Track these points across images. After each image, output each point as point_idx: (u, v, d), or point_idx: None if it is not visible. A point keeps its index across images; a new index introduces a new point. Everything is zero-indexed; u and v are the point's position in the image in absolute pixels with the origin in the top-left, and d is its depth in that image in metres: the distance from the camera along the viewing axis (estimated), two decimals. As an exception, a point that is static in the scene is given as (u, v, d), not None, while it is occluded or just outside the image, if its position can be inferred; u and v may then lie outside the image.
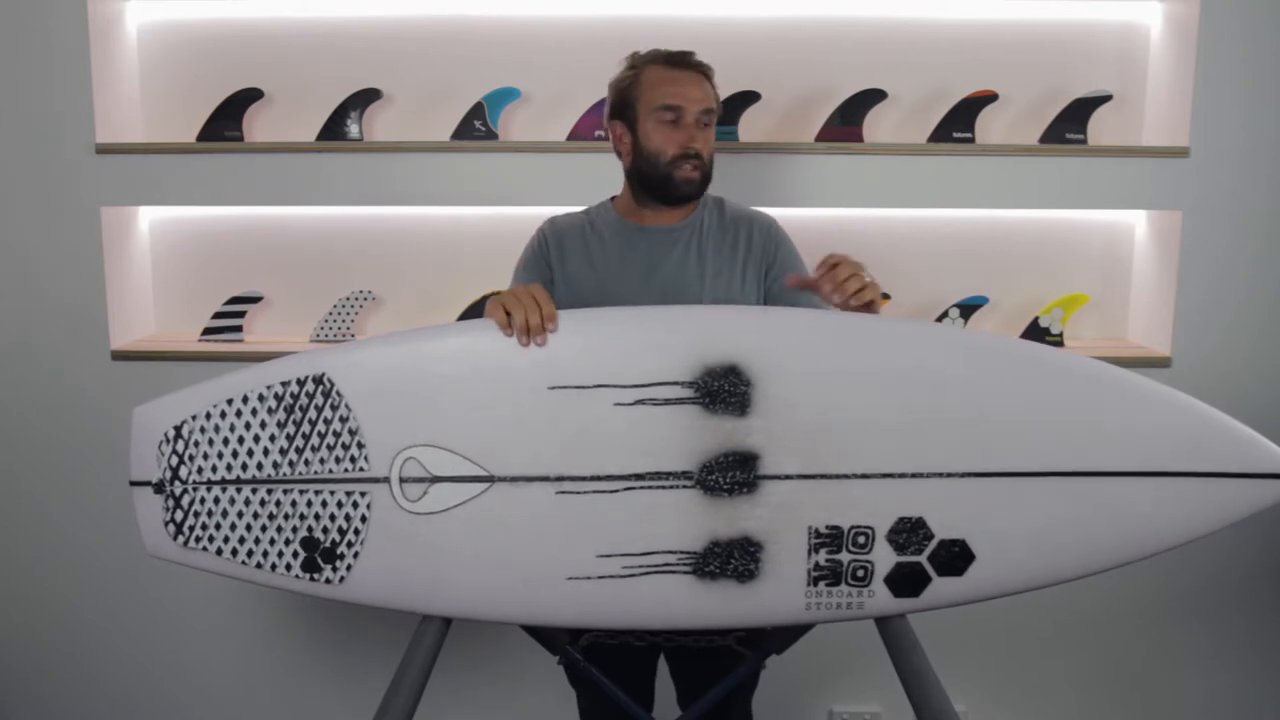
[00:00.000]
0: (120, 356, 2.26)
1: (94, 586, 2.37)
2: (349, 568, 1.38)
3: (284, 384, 1.38)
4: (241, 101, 2.24)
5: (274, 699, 2.43)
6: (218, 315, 2.32)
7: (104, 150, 2.20)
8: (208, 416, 1.39)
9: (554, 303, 1.40)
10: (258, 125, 2.31)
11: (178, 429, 1.39)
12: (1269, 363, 2.23)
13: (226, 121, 2.24)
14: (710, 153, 1.68)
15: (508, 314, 1.37)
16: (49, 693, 2.42)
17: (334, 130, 2.22)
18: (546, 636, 1.59)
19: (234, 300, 2.32)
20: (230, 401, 1.39)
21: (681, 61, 1.67)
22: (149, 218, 2.38)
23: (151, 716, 2.43)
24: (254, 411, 1.38)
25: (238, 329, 2.32)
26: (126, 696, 2.42)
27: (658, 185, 1.67)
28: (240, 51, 2.29)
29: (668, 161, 1.64)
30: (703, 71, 1.68)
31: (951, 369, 1.36)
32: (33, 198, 2.24)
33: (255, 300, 2.34)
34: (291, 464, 1.38)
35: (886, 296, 2.27)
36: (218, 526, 1.39)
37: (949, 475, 1.35)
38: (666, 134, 1.64)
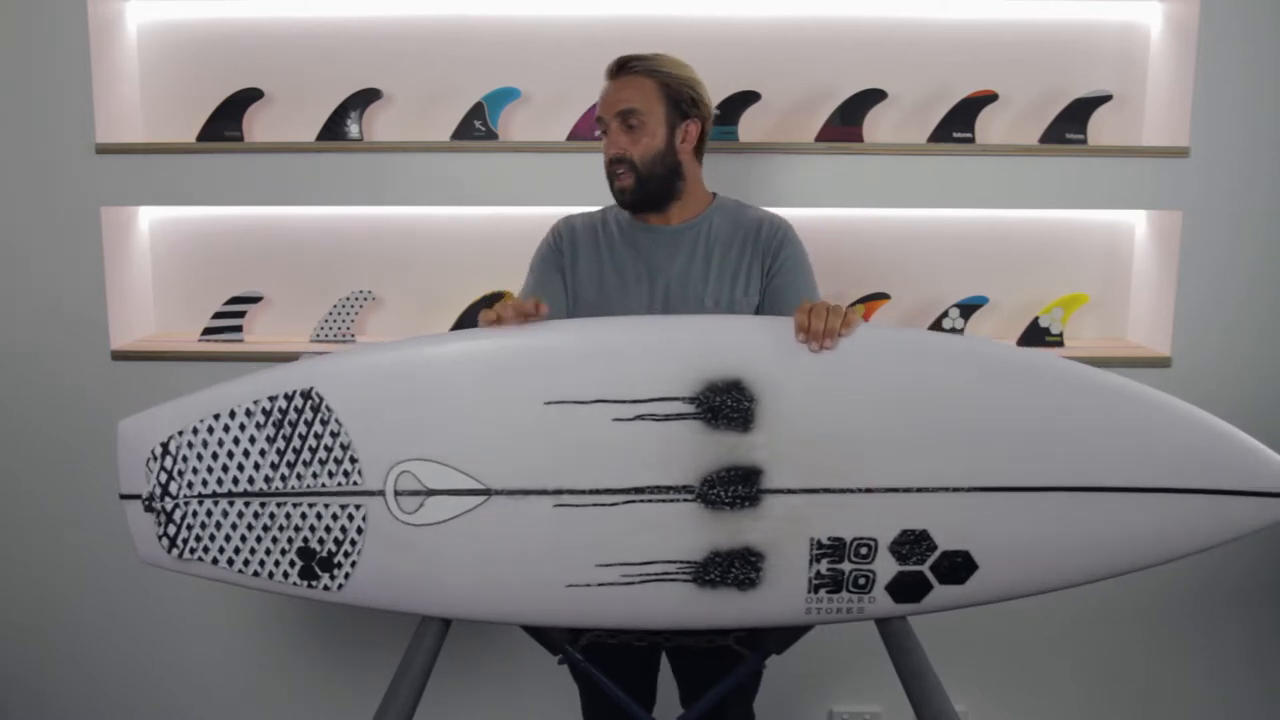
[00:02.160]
0: (120, 356, 2.26)
1: (94, 586, 2.37)
2: (347, 575, 1.37)
3: (271, 399, 1.35)
4: (241, 101, 2.24)
5: (274, 699, 2.43)
6: (218, 315, 2.32)
7: (104, 150, 2.20)
8: (194, 431, 1.37)
9: (547, 309, 1.42)
10: (258, 125, 2.31)
11: (164, 445, 1.37)
12: (1269, 363, 2.23)
13: (226, 121, 2.24)
14: (645, 153, 1.64)
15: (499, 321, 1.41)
16: (49, 693, 2.42)
17: (334, 130, 2.22)
18: (546, 636, 1.59)
19: (234, 300, 2.32)
20: (218, 416, 1.36)
21: (614, 71, 1.68)
22: (149, 218, 2.38)
23: (151, 716, 2.43)
24: (242, 426, 1.36)
25: (238, 329, 2.32)
26: (126, 696, 2.42)
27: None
28: (240, 51, 2.29)
29: (607, 173, 1.68)
30: (632, 73, 1.66)
31: (955, 380, 1.33)
32: (33, 198, 2.24)
33: (255, 300, 2.34)
34: (284, 478, 1.36)
35: (885, 296, 2.28)
36: (212, 538, 1.38)
37: (955, 490, 1.33)
38: (603, 145, 1.68)
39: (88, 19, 2.16)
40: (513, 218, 2.22)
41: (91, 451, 2.30)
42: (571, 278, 1.72)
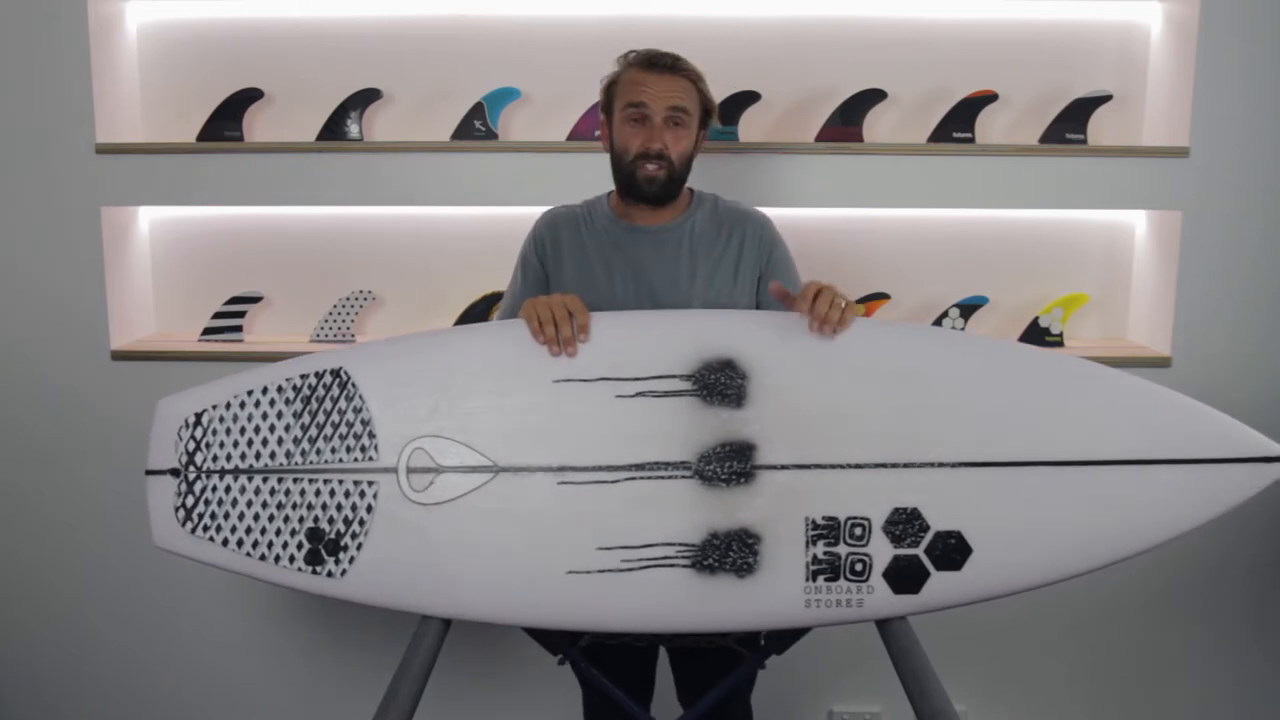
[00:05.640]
0: (120, 356, 2.26)
1: (94, 587, 2.37)
2: (351, 560, 1.39)
3: (303, 376, 1.42)
4: (241, 101, 2.24)
5: (274, 699, 2.43)
6: (218, 315, 2.32)
7: (104, 150, 2.20)
8: (228, 406, 1.43)
9: (588, 313, 1.45)
10: (258, 125, 2.31)
11: (198, 416, 1.43)
12: (1269, 362, 2.23)
13: (226, 121, 2.24)
14: (682, 153, 1.66)
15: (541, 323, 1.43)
16: (49, 692, 2.42)
17: (334, 130, 2.22)
18: (547, 637, 1.59)
19: (234, 300, 2.32)
20: (250, 393, 1.43)
21: (656, 64, 1.65)
22: (149, 218, 2.38)
23: (152, 716, 2.43)
24: (272, 403, 1.42)
25: (238, 329, 2.32)
26: (127, 696, 2.42)
27: (624, 182, 1.69)
28: (240, 51, 2.29)
29: (630, 160, 1.65)
30: (681, 73, 1.65)
31: (939, 363, 1.41)
32: (33, 198, 2.24)
33: (255, 300, 2.34)
34: (304, 453, 1.41)
35: (885, 296, 2.28)
36: (226, 516, 1.41)
37: (942, 465, 1.37)
38: (631, 132, 1.65)
39: (88, 19, 2.16)
40: (512, 218, 2.21)
41: (91, 451, 2.30)
42: (554, 279, 1.73)
